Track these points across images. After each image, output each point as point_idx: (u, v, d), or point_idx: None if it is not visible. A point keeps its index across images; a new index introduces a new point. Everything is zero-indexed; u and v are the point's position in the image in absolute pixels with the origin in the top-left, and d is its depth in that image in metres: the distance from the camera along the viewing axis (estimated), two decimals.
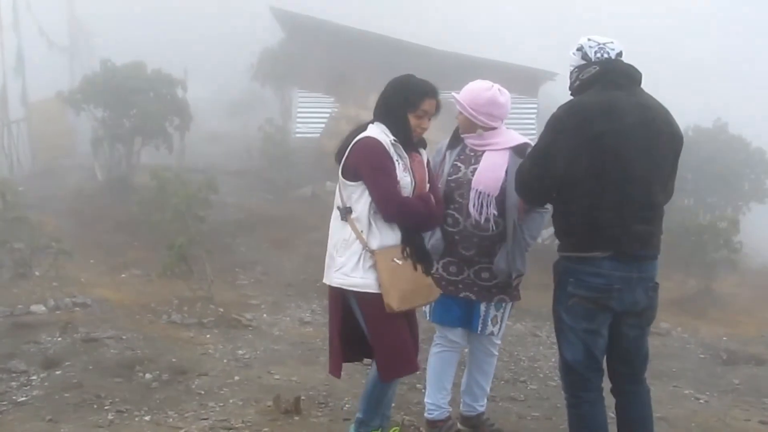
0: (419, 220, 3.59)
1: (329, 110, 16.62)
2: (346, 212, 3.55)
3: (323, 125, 16.52)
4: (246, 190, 14.91)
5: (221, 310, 8.06)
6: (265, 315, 8.40)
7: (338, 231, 3.61)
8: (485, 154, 4.03)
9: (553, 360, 6.70)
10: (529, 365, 6.71)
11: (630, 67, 3.38)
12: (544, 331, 8.06)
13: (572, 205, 3.30)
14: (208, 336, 7.23)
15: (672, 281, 10.96)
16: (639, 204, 3.25)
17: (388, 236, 3.53)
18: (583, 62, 3.40)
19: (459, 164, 4.10)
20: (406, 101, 3.57)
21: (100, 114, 13.66)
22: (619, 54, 3.40)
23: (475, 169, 3.99)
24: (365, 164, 3.48)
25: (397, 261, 3.47)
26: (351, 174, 3.52)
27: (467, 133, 4.13)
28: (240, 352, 6.68)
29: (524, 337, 7.92)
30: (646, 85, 3.40)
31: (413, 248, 3.56)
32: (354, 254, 3.51)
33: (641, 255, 3.30)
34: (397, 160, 3.52)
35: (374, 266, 3.45)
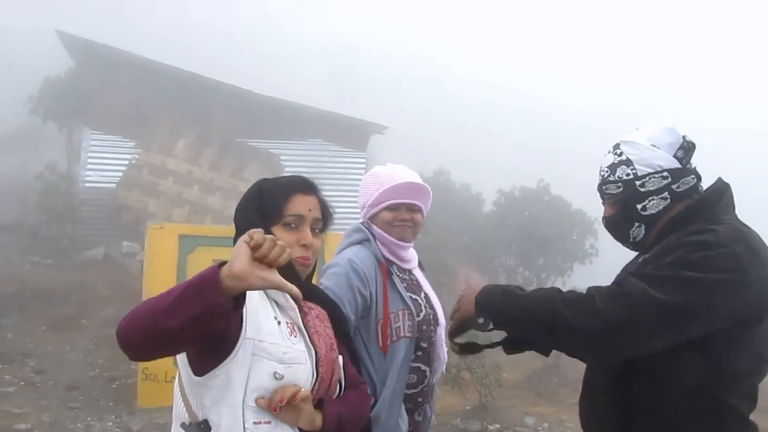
0: (157, 310, 1.56)
1: (128, 156, 14.19)
2: (198, 431, 1.79)
3: (120, 173, 14.03)
4: (18, 252, 12.10)
5: None
6: None
7: None
8: (416, 273, 2.87)
9: None
10: None
11: None
12: None
13: None
14: None
15: (519, 356, 10.26)
16: None
17: None
18: (678, 166, 2.06)
19: (411, 294, 2.72)
20: (262, 210, 2.00)
21: None
22: None
23: (428, 297, 2.81)
24: None
25: None
26: (196, 357, 1.78)
27: (408, 242, 2.79)
28: None
29: None
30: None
31: None
32: None
33: None
34: (275, 318, 1.85)
35: None
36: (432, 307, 2.79)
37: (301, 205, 2.00)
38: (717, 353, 1.82)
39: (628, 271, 2.05)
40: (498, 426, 7.41)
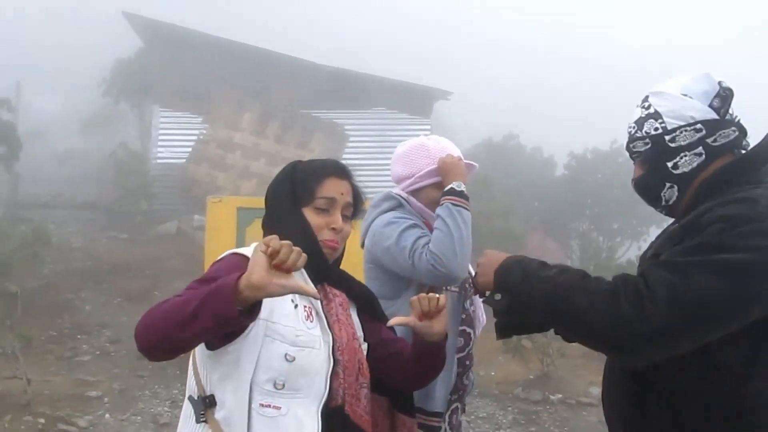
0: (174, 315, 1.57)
1: (196, 132, 14.51)
2: (203, 406, 1.75)
3: (189, 149, 14.38)
4: (95, 228, 12.63)
5: (42, 421, 5.96)
6: (107, 415, 6.41)
7: None
8: None
9: None
10: None
11: None
12: None
13: None
14: None
15: None
16: None
17: None
18: (714, 117, 1.80)
19: None
20: (294, 191, 1.96)
21: None
22: None
23: None
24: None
25: None
26: None
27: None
28: None
29: None
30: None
31: None
32: None
33: None
34: (292, 301, 1.79)
35: None
36: (469, 271, 2.68)
37: (333, 188, 1.95)
38: (753, 341, 1.59)
39: (652, 256, 1.77)
40: (560, 396, 7.20)
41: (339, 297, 1.98)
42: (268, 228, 1.94)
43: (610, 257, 11.11)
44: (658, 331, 1.51)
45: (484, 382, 7.86)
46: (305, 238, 1.85)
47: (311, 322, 1.81)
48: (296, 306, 1.80)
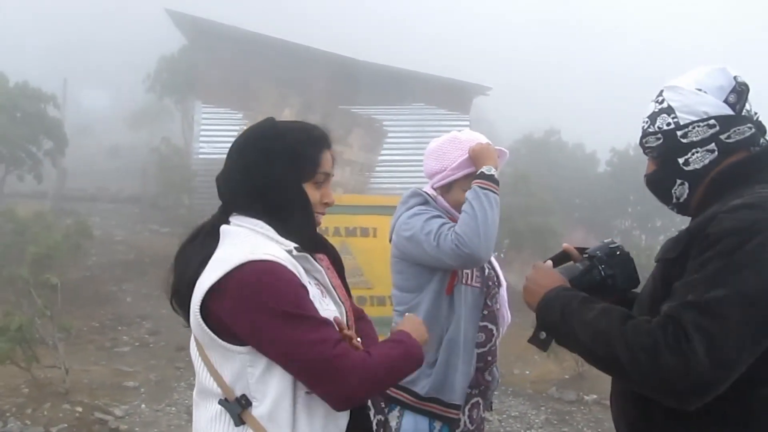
0: (396, 377, 1.81)
1: (237, 128, 14.67)
2: (240, 408, 1.67)
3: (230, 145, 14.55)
4: (138, 221, 12.91)
5: (79, 409, 6.11)
6: (143, 406, 6.53)
7: None
8: None
9: None
10: None
11: None
12: None
13: None
14: None
15: None
16: None
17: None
18: (728, 113, 1.73)
19: None
20: (295, 164, 1.80)
21: None
22: None
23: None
24: (265, 317, 1.60)
25: None
26: (231, 333, 1.66)
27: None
28: None
29: None
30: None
31: None
32: None
33: None
34: (309, 283, 1.73)
35: None
36: (493, 268, 2.70)
37: (329, 161, 1.86)
38: None
39: (660, 260, 1.72)
40: (595, 397, 7.07)
41: (325, 260, 1.91)
42: (247, 201, 1.80)
43: (651, 256, 10.84)
44: (705, 384, 1.47)
45: (518, 380, 7.78)
46: (305, 215, 1.81)
47: (325, 298, 1.77)
48: (312, 286, 1.74)
